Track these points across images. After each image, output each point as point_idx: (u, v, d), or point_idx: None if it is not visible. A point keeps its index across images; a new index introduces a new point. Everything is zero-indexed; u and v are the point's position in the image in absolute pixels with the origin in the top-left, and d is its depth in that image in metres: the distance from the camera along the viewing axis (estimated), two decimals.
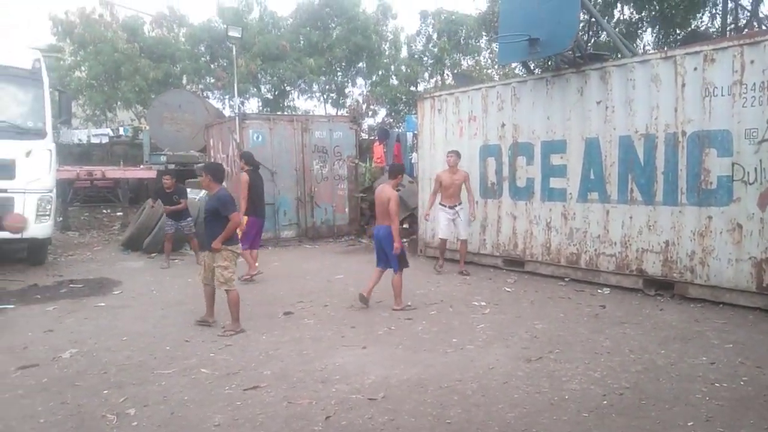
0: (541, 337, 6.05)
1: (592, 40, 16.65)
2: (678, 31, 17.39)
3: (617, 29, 16.06)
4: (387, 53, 24.09)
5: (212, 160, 15.22)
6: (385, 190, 7.36)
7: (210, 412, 4.30)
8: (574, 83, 8.54)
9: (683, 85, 7.26)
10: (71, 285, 8.79)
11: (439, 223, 9.76)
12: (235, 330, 6.31)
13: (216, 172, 6.58)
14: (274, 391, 4.68)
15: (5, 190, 9.00)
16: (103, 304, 7.68)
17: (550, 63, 12.49)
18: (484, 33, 22.64)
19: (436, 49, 22.99)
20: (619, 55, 9.15)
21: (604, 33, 15.08)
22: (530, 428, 4.02)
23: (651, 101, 7.60)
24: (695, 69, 7.13)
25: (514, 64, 16.30)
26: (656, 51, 11.32)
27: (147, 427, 4.07)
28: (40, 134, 9.42)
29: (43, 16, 20.89)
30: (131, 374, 5.09)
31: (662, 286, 7.66)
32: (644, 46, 18.18)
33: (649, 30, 18.30)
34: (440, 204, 9.60)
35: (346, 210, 14.01)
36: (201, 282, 6.61)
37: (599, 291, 8.04)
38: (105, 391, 4.70)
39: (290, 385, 4.83)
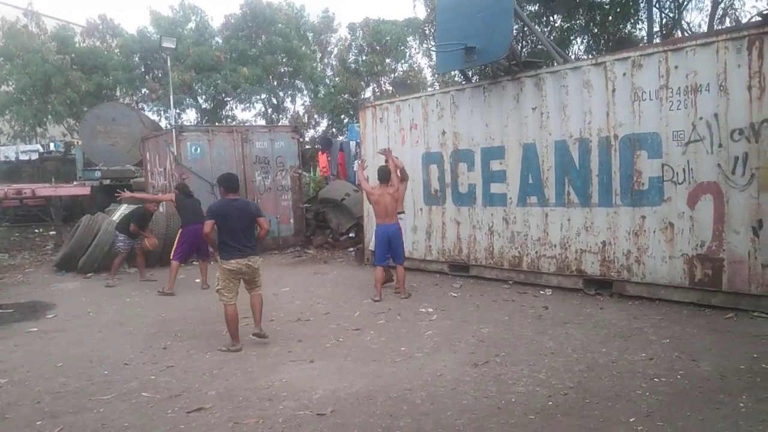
0: (487, 341, 6.12)
1: (527, 49, 17.12)
2: (608, 38, 18.09)
3: (550, 38, 16.59)
4: (327, 66, 24.14)
5: (150, 174, 14.80)
6: (384, 193, 8.31)
7: None
8: (510, 90, 8.73)
9: (614, 90, 7.53)
10: (0, 310, 8.33)
11: None
12: (228, 347, 6.16)
13: (228, 183, 6.38)
14: (219, 412, 4.55)
15: None
16: (35, 329, 7.31)
17: (487, 71, 12.76)
18: (410, 38, 22.96)
19: (368, 60, 23.12)
20: (553, 63, 9.42)
21: (539, 41, 15.50)
22: None
23: (584, 106, 7.85)
24: (624, 74, 7.41)
25: (453, 72, 16.56)
26: (587, 58, 11.72)
27: None
28: None
29: None
30: (67, 402, 4.86)
31: (601, 286, 7.90)
32: (576, 53, 18.83)
33: (581, 38, 18.99)
34: None
35: (291, 221, 13.87)
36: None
37: (542, 292, 8.21)
38: (38, 422, 4.46)
39: (236, 404, 4.71)
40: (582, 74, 7.85)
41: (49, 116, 21.47)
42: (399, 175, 8.58)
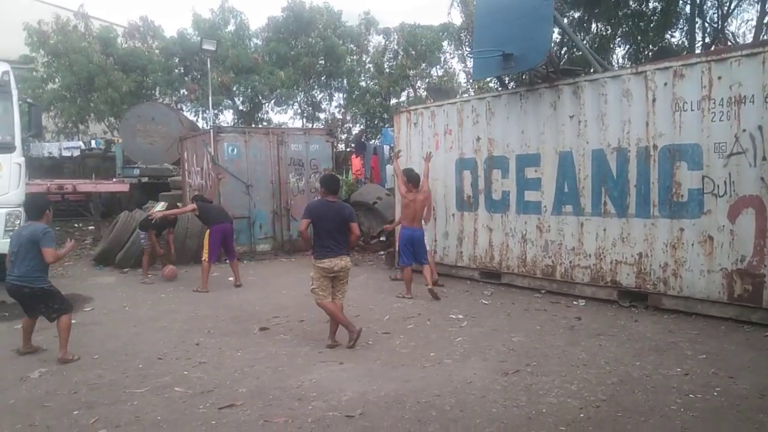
0: (518, 350, 6.06)
1: (566, 56, 16.95)
2: (650, 47, 17.80)
3: (590, 45, 16.39)
4: (365, 68, 24.21)
5: (187, 173, 15.06)
6: (416, 198, 8.73)
7: None
8: (547, 98, 8.66)
9: (654, 100, 7.40)
10: None
11: None
12: (352, 338, 6.21)
13: (329, 185, 6.50)
14: (249, 410, 4.60)
15: None
16: (73, 321, 7.40)
17: (524, 77, 12.68)
18: (446, 42, 22.92)
19: (401, 64, 23.15)
20: (592, 71, 9.32)
21: (578, 48, 15.33)
22: None
23: (623, 115, 7.74)
24: (665, 84, 7.28)
25: (489, 78, 16.50)
26: (628, 66, 11.54)
27: None
28: (8, 148, 9.23)
29: (16, 25, 20.31)
30: (102, 393, 4.97)
31: (636, 298, 7.76)
32: (617, 61, 18.58)
33: (622, 46, 18.72)
34: None
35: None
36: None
37: (575, 303, 8.11)
38: (75, 412, 4.57)
39: (266, 402, 4.76)
40: (622, 83, 7.74)
41: (91, 114, 22.03)
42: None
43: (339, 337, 6.37)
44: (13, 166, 9.20)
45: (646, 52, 18.03)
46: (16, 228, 9.19)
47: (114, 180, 17.29)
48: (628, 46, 18.73)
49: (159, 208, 12.42)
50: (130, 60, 21.54)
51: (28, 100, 11.39)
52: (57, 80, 21.32)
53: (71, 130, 23.00)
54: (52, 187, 14.21)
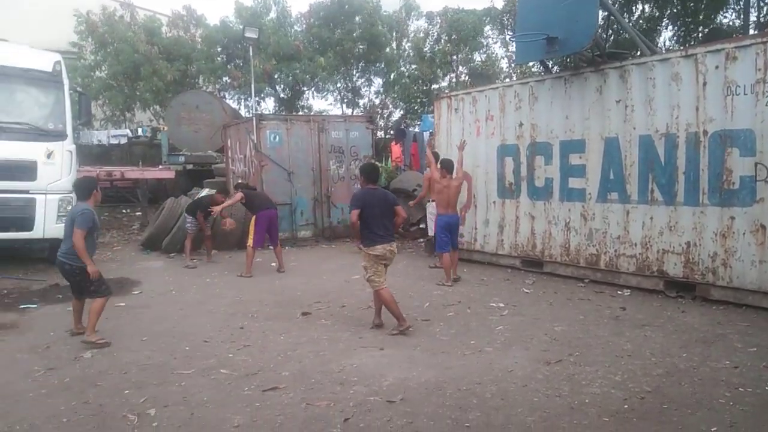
0: (560, 340, 6.00)
1: (612, 38, 16.50)
2: (700, 29, 17.18)
3: (637, 27, 15.91)
4: (404, 53, 24.04)
5: (230, 160, 15.31)
6: (450, 184, 8.81)
7: (229, 413, 4.32)
8: (593, 82, 8.46)
9: (705, 84, 7.16)
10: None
11: None
12: (399, 329, 6.26)
13: (369, 174, 6.63)
14: (292, 393, 4.69)
15: (27, 191, 9.13)
16: (123, 304, 7.75)
17: (568, 61, 12.40)
18: (489, 27, 22.55)
19: (444, 49, 22.90)
20: (639, 54, 9.05)
21: (624, 30, 14.89)
22: None
23: (671, 100, 7.51)
24: (717, 67, 7.02)
25: (530, 63, 16.20)
26: (677, 49, 11.17)
27: (167, 428, 4.09)
28: (60, 136, 9.54)
29: (65, 15, 20.90)
30: (151, 374, 5.13)
31: (684, 288, 7.57)
32: (664, 42, 18.00)
33: (670, 27, 18.12)
34: None
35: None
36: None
37: (619, 292, 7.96)
38: (126, 391, 4.74)
39: (308, 386, 4.84)
40: (671, 66, 7.50)
41: (137, 102, 22.54)
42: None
43: (384, 319, 6.49)
44: (65, 154, 9.50)
45: (695, 34, 17.40)
46: (68, 213, 9.55)
47: (160, 167, 17.68)
48: (676, 28, 18.11)
49: (204, 194, 12.69)
50: (174, 49, 21.90)
51: (78, 89, 11.73)
52: (104, 69, 21.87)
53: (118, 119, 23.57)
54: (101, 173, 14.62)
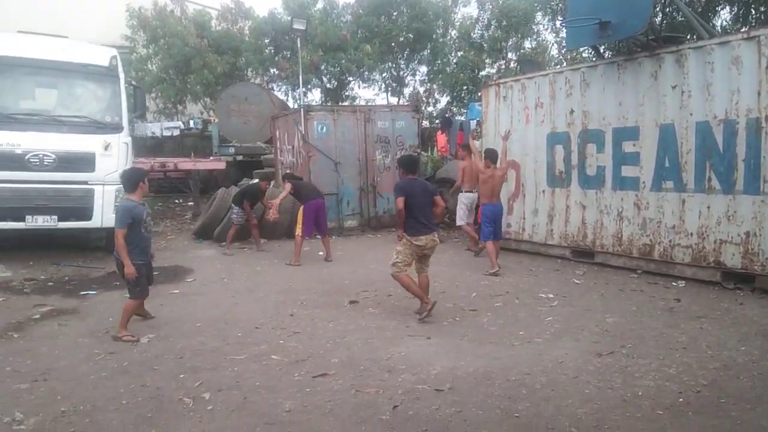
0: (612, 331, 5.88)
1: (666, 22, 15.92)
2: (762, 9, 16.40)
3: (692, 8, 15.29)
4: (451, 41, 23.77)
5: (279, 151, 15.53)
6: (494, 174, 8.97)
7: (281, 398, 4.41)
8: (647, 67, 8.20)
9: (767, 67, 6.84)
10: None
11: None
12: (422, 315, 6.36)
13: (408, 165, 6.74)
14: (341, 379, 4.75)
15: (86, 182, 9.47)
16: (177, 291, 7.99)
17: (621, 46, 12.05)
18: (540, 14, 22.06)
19: (493, 36, 22.55)
20: (696, 37, 8.73)
21: (680, 13, 14.35)
22: (602, 425, 3.93)
23: (731, 85, 7.22)
24: None
25: (581, 49, 15.80)
26: (738, 31, 10.71)
27: (221, 412, 4.21)
28: (117, 128, 9.84)
29: (116, 10, 21.61)
30: (205, 359, 5.28)
31: (742, 280, 7.31)
32: (722, 24, 17.25)
33: (728, 8, 17.35)
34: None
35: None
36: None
37: (674, 284, 7.74)
38: (181, 375, 4.89)
39: (357, 373, 4.89)
40: (731, 50, 7.20)
41: (189, 95, 23.07)
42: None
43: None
44: (121, 146, 9.81)
45: (757, 14, 16.61)
46: None
47: (211, 158, 18.08)
48: (735, 9, 17.32)
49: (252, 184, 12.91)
50: (223, 42, 22.29)
51: (133, 83, 12.06)
52: (156, 63, 22.45)
53: (171, 111, 24.19)
54: (156, 164, 15.09)
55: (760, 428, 3.82)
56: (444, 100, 24.76)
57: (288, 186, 10.22)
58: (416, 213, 6.37)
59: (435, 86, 23.78)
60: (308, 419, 4.07)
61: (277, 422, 4.03)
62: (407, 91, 25.09)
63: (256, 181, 12.33)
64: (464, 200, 10.67)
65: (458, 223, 10.87)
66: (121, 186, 9.62)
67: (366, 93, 26.70)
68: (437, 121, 21.79)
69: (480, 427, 3.92)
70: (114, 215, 9.46)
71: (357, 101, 24.12)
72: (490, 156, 9.09)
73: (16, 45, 9.53)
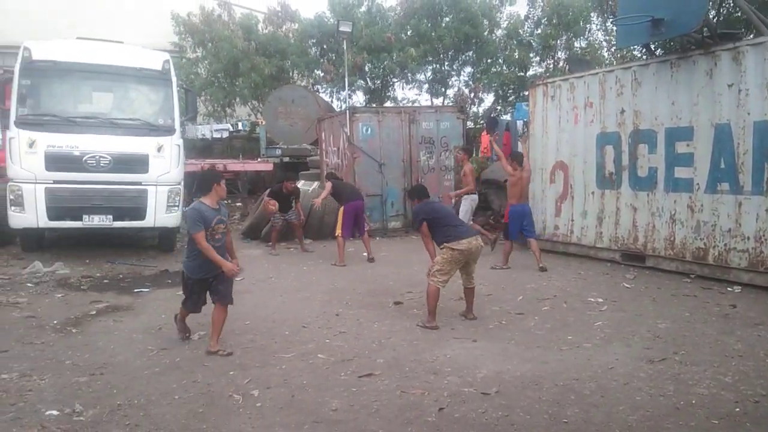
0: (664, 337, 5.73)
1: (721, 17, 15.38)
2: None
3: (750, 2, 14.73)
4: (497, 40, 23.52)
5: (324, 153, 15.69)
6: (522, 176, 9.32)
7: (327, 396, 4.46)
8: (702, 65, 7.95)
9: None
10: None
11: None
12: (425, 324, 6.22)
13: (419, 193, 6.95)
14: (387, 380, 4.77)
15: (140, 183, 9.77)
16: None
17: (673, 44, 11.71)
18: (594, 13, 21.60)
19: (543, 34, 22.21)
20: (754, 33, 8.41)
21: (737, 8, 13.83)
22: None
23: None
24: None
25: (631, 48, 15.42)
26: None
27: (270, 408, 4.29)
28: (170, 131, 10.12)
29: (166, 15, 22.22)
30: (254, 357, 5.38)
31: None
32: None
33: None
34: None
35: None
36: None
37: (729, 289, 7.48)
38: (231, 372, 5.00)
39: (403, 374, 4.90)
40: None
41: (237, 98, 23.52)
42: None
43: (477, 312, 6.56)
44: (173, 148, 10.09)
45: None
46: (177, 203, 10.15)
47: (259, 160, 18.39)
48: None
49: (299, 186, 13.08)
50: (270, 44, 22.64)
51: (185, 86, 12.38)
52: (204, 66, 22.97)
53: (219, 114, 24.72)
54: (205, 166, 15.40)
55: None
56: (489, 100, 24.52)
57: (328, 185, 10.37)
58: (445, 222, 6.40)
59: (480, 86, 23.55)
60: (354, 418, 4.11)
61: (324, 420, 4.08)
62: (451, 92, 24.95)
63: (299, 183, 12.50)
64: (470, 201, 11.07)
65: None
66: (174, 186, 10.01)
67: (409, 94, 26.59)
68: (482, 122, 21.61)
69: (527, 431, 3.88)
70: (168, 215, 9.96)
71: (401, 102, 24.13)
72: (517, 159, 9.49)
73: (75, 51, 9.93)
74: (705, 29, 7.99)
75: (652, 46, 10.70)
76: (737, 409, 4.14)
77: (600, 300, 7.21)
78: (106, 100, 10.59)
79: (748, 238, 7.47)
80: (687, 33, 7.91)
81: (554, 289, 7.89)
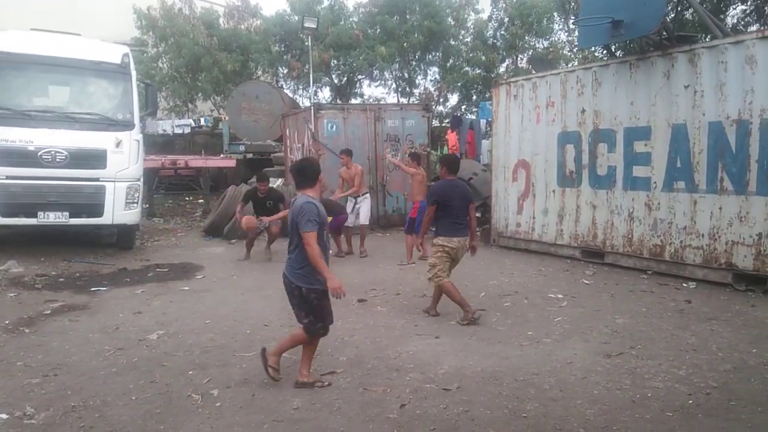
0: (621, 332, 5.85)
1: (677, 20, 15.75)
2: None
3: (705, 5, 15.14)
4: (463, 40, 23.70)
5: (289, 149, 15.55)
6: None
7: (289, 395, 4.42)
8: (659, 67, 8.15)
9: None
10: (157, 269, 9.24)
11: None
12: (463, 320, 6.20)
13: (451, 165, 6.59)
14: (349, 377, 4.76)
15: (97, 179, 9.53)
16: (187, 287, 8.02)
17: (633, 46, 11.97)
18: (556, 14, 21.95)
19: (507, 35, 22.50)
20: (709, 36, 8.66)
21: (690, 10, 14.19)
22: (611, 426, 3.91)
23: (745, 85, 7.16)
24: None
25: (593, 48, 15.72)
26: (752, 31, 10.58)
27: (229, 408, 4.22)
28: (128, 125, 9.90)
29: (127, 9, 21.68)
30: (214, 356, 5.30)
31: (754, 281, 7.25)
32: (733, 22, 17.05)
33: (740, 5, 17.14)
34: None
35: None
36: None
37: (684, 285, 7.68)
38: (190, 372, 4.91)
39: (365, 371, 4.89)
40: (745, 49, 7.15)
41: (199, 93, 23.16)
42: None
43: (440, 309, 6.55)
44: (132, 143, 9.86)
45: None
46: (136, 200, 9.92)
47: (221, 156, 18.14)
48: (746, 5, 17.09)
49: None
50: (232, 40, 22.35)
51: (145, 80, 12.12)
52: (166, 61, 22.53)
53: (181, 109, 24.29)
54: (166, 162, 15.16)
55: None
56: (455, 99, 24.72)
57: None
58: (453, 213, 6.33)
59: (446, 85, 23.71)
60: (316, 417, 4.08)
61: (285, 419, 4.04)
62: (418, 91, 25.06)
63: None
64: (367, 206, 10.97)
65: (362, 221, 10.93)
66: (133, 183, 9.75)
67: (376, 92, 26.59)
68: (447, 120, 21.76)
69: (488, 426, 3.91)
70: (127, 212, 9.69)
71: (366, 99, 24.11)
72: (416, 158, 10.33)
73: (30, 42, 9.61)
74: (663, 32, 8.18)
75: (613, 48, 10.91)
76: (690, 401, 4.26)
77: (560, 296, 7.33)
78: (63, 93, 10.29)
79: (703, 236, 7.69)
80: (646, 35, 8.09)
81: (516, 285, 7.99)
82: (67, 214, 9.35)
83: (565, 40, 23.14)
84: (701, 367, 4.89)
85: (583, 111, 9.27)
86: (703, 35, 11.21)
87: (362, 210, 10.70)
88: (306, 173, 4.67)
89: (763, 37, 7.02)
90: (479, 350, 5.39)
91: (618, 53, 11.61)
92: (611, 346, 5.43)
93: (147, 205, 14.83)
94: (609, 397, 4.34)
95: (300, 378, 4.59)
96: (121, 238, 10.76)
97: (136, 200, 9.92)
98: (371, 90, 26.75)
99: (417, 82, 24.95)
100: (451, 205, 6.31)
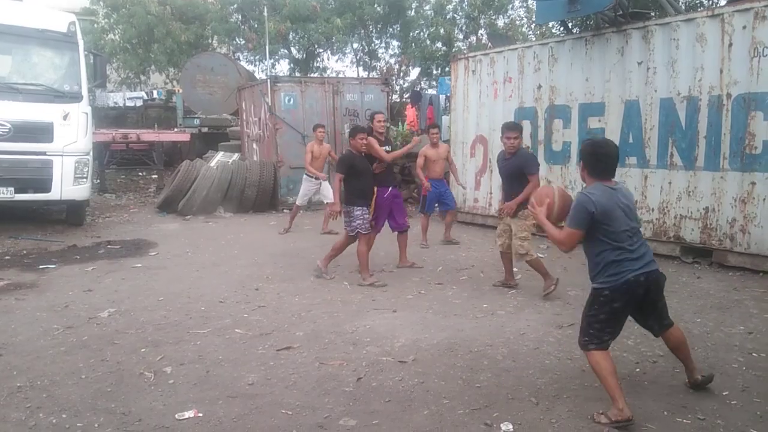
0: (573, 304, 5.99)
1: None
2: None
3: None
4: (423, 14, 23.52)
5: (245, 123, 15.27)
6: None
7: (244, 371, 4.39)
8: (614, 43, 8.26)
9: (730, 45, 6.96)
10: (109, 246, 9.01)
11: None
12: (546, 291, 6.20)
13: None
14: (306, 352, 4.75)
15: (44, 153, 9.18)
16: (139, 264, 7.85)
17: (590, 22, 12.09)
18: None
19: (468, 8, 22.44)
20: (662, 13, 8.81)
21: None
22: (561, 394, 4.01)
23: (695, 62, 7.32)
24: (744, 27, 6.82)
25: (551, 23, 15.83)
26: (703, 9, 10.84)
27: (183, 385, 4.17)
28: (76, 97, 9.53)
29: None
30: (167, 333, 5.21)
31: (700, 254, 7.51)
32: (686, 1, 17.39)
33: None
34: (307, 175, 10.02)
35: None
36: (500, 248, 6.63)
37: None
38: (142, 350, 4.82)
39: (322, 346, 4.89)
40: (695, 27, 7.29)
41: (152, 65, 22.43)
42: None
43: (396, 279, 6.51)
44: (80, 116, 9.51)
45: None
46: (85, 175, 9.59)
47: (175, 130, 17.69)
48: None
49: (218, 158, 12.70)
50: (188, 10, 21.66)
51: (93, 51, 11.66)
52: (117, 32, 21.72)
53: (133, 81, 23.52)
54: (118, 136, 14.69)
55: (711, 396, 3.95)
56: (415, 73, 24.60)
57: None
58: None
59: (406, 59, 23.55)
60: (271, 392, 4.06)
61: (240, 395, 4.01)
62: (379, 65, 24.83)
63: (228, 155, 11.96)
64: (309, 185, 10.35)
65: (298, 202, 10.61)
66: (82, 157, 9.44)
67: (337, 65, 26.32)
68: (407, 96, 21.68)
69: (442, 397, 3.96)
70: (76, 187, 9.37)
71: (327, 73, 23.78)
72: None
73: None
74: (618, 8, 8.27)
75: (570, 24, 11.02)
76: (637, 370, 4.41)
77: (515, 269, 7.43)
78: (5, 63, 9.80)
79: (653, 210, 7.91)
80: (601, 11, 8.18)
81: (472, 259, 8.08)
82: (12, 189, 9.00)
83: (523, 16, 23.24)
84: (648, 336, 4.98)
85: (540, 87, 9.35)
86: (657, 12, 11.39)
87: (327, 188, 10.50)
88: (603, 157, 3.83)
89: (713, 15, 7.17)
90: (435, 323, 5.45)
91: (575, 30, 11.73)
92: (563, 318, 5.56)
93: (98, 181, 14.42)
94: (560, 367, 4.45)
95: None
96: (71, 215, 10.44)
97: (85, 175, 9.61)
98: (333, 63, 26.42)
99: (379, 55, 24.72)
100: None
